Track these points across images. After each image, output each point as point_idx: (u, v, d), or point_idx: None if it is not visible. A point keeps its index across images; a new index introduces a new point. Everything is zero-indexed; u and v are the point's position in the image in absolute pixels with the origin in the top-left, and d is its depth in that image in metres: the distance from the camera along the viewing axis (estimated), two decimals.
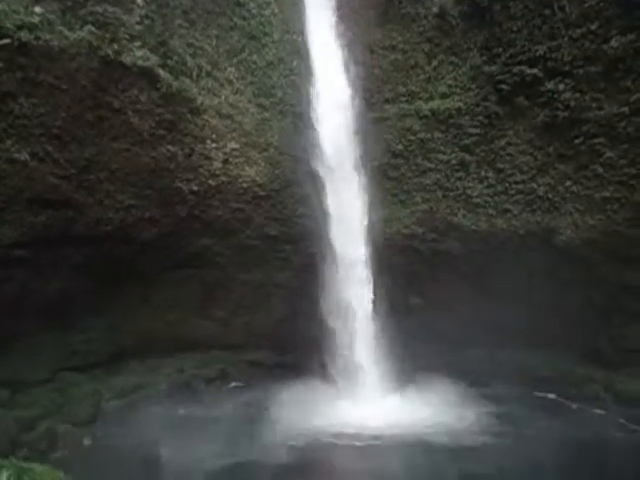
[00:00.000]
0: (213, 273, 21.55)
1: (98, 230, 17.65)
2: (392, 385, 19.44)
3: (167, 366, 21.06)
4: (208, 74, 19.41)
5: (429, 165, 20.66)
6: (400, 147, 20.98)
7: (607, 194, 17.52)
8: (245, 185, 20.23)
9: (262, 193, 20.64)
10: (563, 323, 18.68)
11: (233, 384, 21.03)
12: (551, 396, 18.75)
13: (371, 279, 20.19)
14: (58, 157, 15.93)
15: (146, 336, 20.80)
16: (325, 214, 20.40)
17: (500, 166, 19.62)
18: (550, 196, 18.85)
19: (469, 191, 20.09)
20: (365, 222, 20.47)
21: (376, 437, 15.90)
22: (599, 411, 17.35)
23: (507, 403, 17.72)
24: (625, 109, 16.62)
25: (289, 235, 21.33)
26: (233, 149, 19.82)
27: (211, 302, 22.11)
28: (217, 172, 19.54)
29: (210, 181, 19.46)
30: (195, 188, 19.18)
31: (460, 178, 20.27)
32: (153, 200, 18.66)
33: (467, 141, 20.02)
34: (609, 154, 17.29)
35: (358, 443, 15.61)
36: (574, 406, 18.06)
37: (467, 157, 20.09)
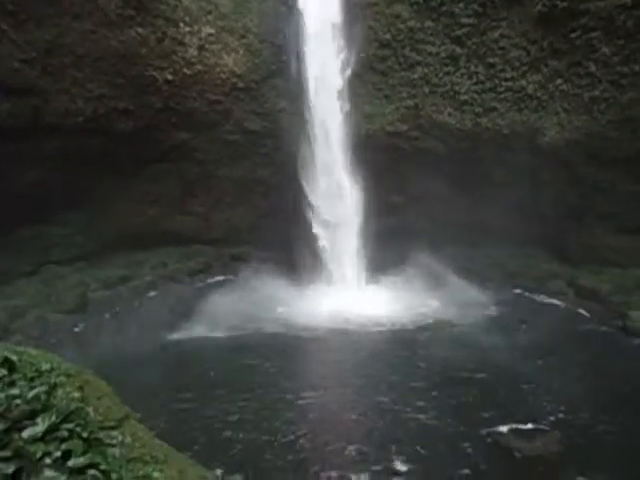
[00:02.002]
0: (192, 168, 21.20)
1: (69, 120, 16.87)
2: (371, 279, 20.36)
3: (151, 259, 21.53)
4: None
5: (417, 58, 19.61)
6: (388, 37, 19.69)
7: (596, 93, 17.17)
8: (223, 75, 19.12)
9: (241, 84, 19.61)
10: (536, 222, 19.31)
11: (215, 277, 21.67)
12: (518, 290, 19.92)
13: (352, 176, 20.13)
14: (16, 38, 14.69)
15: (128, 230, 20.96)
16: (307, 108, 19.65)
17: (491, 60, 18.76)
18: (539, 94, 18.38)
19: (457, 87, 19.38)
20: (348, 117, 19.86)
21: (350, 325, 17.07)
22: (562, 304, 18.67)
23: (478, 297, 18.81)
24: (627, 0, 15.68)
25: (270, 130, 20.70)
26: (209, 34, 18.40)
27: (191, 198, 22.04)
28: (192, 60, 18.33)
29: (185, 70, 18.31)
30: (170, 77, 18.10)
31: (448, 73, 19.42)
32: (126, 90, 17.65)
33: (459, 32, 18.84)
34: (604, 50, 16.64)
35: (333, 328, 16.76)
36: (541, 299, 19.30)
37: (457, 50, 19.06)
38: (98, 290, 19.27)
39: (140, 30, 16.82)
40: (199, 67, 18.52)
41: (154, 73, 17.71)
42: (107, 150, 18.39)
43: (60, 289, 18.31)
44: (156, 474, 3.91)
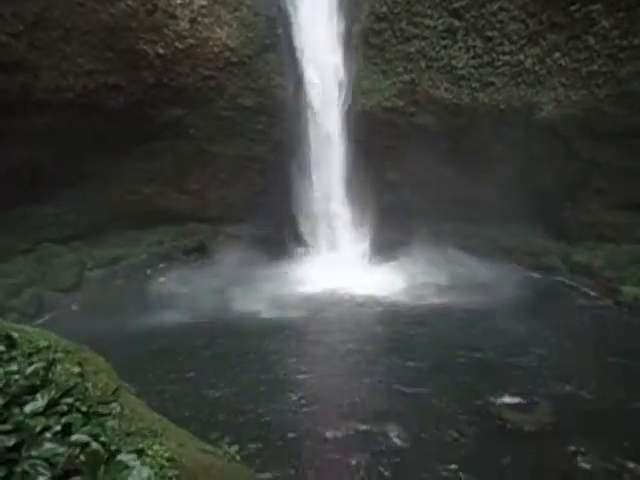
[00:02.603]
0: (187, 146, 20.94)
1: (59, 96, 16.57)
2: (369, 256, 20.37)
3: (146, 238, 21.49)
4: None
5: (414, 31, 19.25)
6: (384, 9, 19.26)
7: (595, 67, 16.98)
8: (216, 49, 18.73)
9: (235, 59, 19.23)
10: (532, 199, 19.29)
11: (211, 255, 21.61)
12: (514, 267, 20.07)
13: (348, 153, 19.98)
14: (3, 11, 14.30)
15: (123, 209, 20.82)
16: (301, 84, 19.35)
17: (489, 34, 18.44)
18: (537, 69, 18.16)
19: (454, 62, 19.08)
20: (343, 93, 19.60)
21: (349, 304, 17.20)
22: (557, 279, 18.87)
23: (474, 273, 18.95)
24: None
25: (265, 106, 20.41)
26: (201, 6, 17.93)
27: (186, 175, 21.84)
28: (184, 33, 17.91)
29: (177, 44, 17.91)
30: (161, 51, 17.72)
31: (446, 47, 19.09)
32: (116, 64, 17.29)
33: (457, 4, 18.44)
34: (604, 23, 16.39)
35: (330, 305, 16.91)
36: (536, 275, 19.47)
37: (455, 23, 18.70)
38: (94, 269, 19.29)
39: (130, 2, 16.37)
40: (191, 41, 18.12)
41: (145, 47, 17.33)
42: (98, 127, 18.11)
43: (56, 267, 18.30)
44: (156, 447, 3.98)
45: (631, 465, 8.86)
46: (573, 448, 9.39)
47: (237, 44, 18.96)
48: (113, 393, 3.99)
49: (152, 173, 21.13)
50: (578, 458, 9.20)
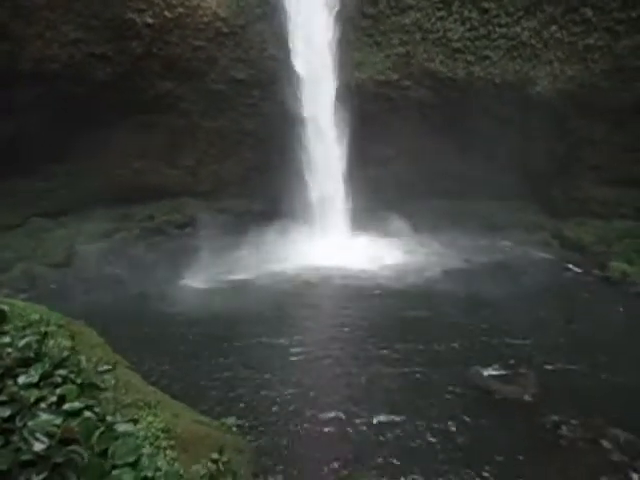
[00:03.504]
0: (178, 120, 20.55)
1: (45, 67, 16.13)
2: (359, 230, 20.37)
3: (138, 213, 21.25)
4: None
5: (410, 1, 18.83)
6: None
7: (591, 41, 16.81)
8: (206, 19, 18.22)
9: (226, 29, 18.74)
10: (524, 175, 19.32)
11: (203, 229, 21.46)
12: (505, 242, 20.20)
13: (342, 127, 19.74)
14: None
15: (114, 184, 20.53)
16: (293, 56, 18.95)
17: (485, 5, 18.10)
18: (533, 42, 17.92)
19: (450, 34, 18.77)
20: (337, 65, 19.23)
21: (337, 277, 17.28)
22: (547, 255, 19.05)
23: (467, 249, 19.04)
24: None
25: (257, 79, 20.01)
26: None
27: (178, 150, 21.51)
28: (173, 2, 17.37)
29: (166, 12, 17.39)
30: (150, 20, 17.20)
31: (442, 18, 18.74)
32: (102, 33, 16.78)
33: None
34: None
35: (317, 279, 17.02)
36: (527, 250, 19.63)
37: None
38: (84, 243, 19.10)
39: None
40: (180, 10, 17.60)
41: (133, 16, 16.81)
42: (87, 99, 17.70)
43: (46, 242, 18.14)
44: (150, 418, 4.03)
45: (619, 438, 9.11)
46: (558, 418, 9.64)
47: (228, 13, 18.46)
48: (109, 370, 4.02)
49: (143, 148, 20.79)
50: (563, 427, 9.46)
